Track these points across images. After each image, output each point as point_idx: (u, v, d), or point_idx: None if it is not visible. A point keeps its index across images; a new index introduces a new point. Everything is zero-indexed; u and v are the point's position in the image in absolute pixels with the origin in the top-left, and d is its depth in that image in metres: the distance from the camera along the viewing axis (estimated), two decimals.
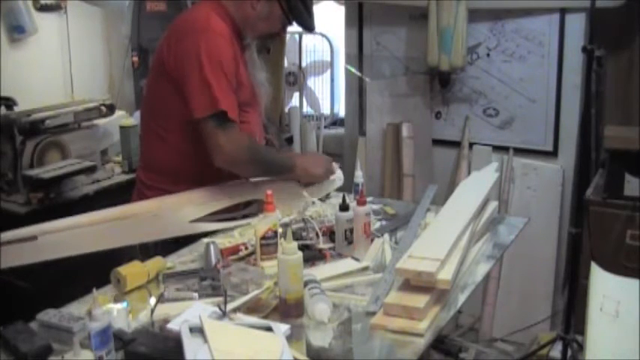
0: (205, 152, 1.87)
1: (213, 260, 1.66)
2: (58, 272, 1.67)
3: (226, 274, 1.57)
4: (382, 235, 1.88)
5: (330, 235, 1.82)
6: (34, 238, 1.64)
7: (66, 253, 1.67)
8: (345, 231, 1.74)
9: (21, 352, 1.28)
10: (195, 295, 1.52)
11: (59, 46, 3.43)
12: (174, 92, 1.88)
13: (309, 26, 2.05)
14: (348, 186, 2.11)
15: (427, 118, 3.37)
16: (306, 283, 1.47)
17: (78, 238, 1.71)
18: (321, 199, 2.06)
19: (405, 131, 3.22)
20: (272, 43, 2.20)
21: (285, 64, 3.71)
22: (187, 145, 1.93)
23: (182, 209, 1.88)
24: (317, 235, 1.81)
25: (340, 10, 3.56)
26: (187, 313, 1.41)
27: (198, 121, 1.84)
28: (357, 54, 3.49)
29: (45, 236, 1.66)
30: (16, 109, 2.84)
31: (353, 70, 3.50)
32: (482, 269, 1.69)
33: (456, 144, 3.31)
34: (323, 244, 1.79)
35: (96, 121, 3.04)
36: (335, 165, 2.17)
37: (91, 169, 2.82)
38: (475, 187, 2.00)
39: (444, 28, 3.02)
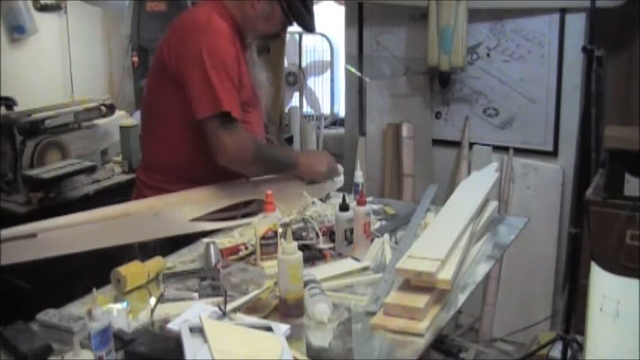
0: (206, 151, 1.87)
1: (213, 260, 1.66)
2: (58, 272, 1.67)
3: (226, 274, 1.57)
4: (382, 235, 1.87)
5: (330, 235, 1.82)
6: (33, 235, 1.64)
7: (65, 250, 1.67)
8: (345, 231, 1.74)
9: (21, 352, 1.28)
10: (195, 295, 1.52)
11: (59, 46, 3.43)
12: (175, 92, 1.88)
13: (309, 27, 2.04)
14: (348, 186, 2.11)
15: (427, 118, 3.37)
16: (306, 283, 1.47)
17: (77, 236, 1.71)
18: (321, 199, 2.06)
19: (405, 131, 3.22)
20: (272, 43, 2.20)
21: (285, 64, 3.71)
22: (188, 145, 1.93)
23: (182, 208, 1.88)
24: (317, 235, 1.81)
25: (340, 10, 3.56)
26: (187, 313, 1.41)
27: (200, 121, 1.84)
28: (357, 54, 3.49)
29: (44, 234, 1.67)
30: (16, 109, 2.84)
31: (353, 70, 3.50)
32: (482, 269, 1.69)
33: (456, 144, 3.31)
34: (323, 244, 1.79)
35: (96, 121, 3.04)
36: (339, 167, 2.17)
37: (91, 169, 2.82)
38: (475, 187, 2.00)
39: (444, 28, 3.02)
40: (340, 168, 2.17)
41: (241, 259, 1.75)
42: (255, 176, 2.02)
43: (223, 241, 1.83)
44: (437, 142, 3.39)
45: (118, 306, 1.43)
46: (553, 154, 3.11)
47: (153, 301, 1.50)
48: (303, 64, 3.80)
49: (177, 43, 1.87)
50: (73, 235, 1.70)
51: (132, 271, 1.59)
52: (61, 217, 1.74)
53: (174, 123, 1.93)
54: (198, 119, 1.84)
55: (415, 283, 1.45)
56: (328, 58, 3.84)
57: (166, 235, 1.83)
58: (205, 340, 1.26)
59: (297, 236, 1.75)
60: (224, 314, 1.40)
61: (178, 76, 1.85)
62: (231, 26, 1.92)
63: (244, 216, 2.00)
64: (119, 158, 3.07)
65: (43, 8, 3.32)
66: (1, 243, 1.58)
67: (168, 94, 1.91)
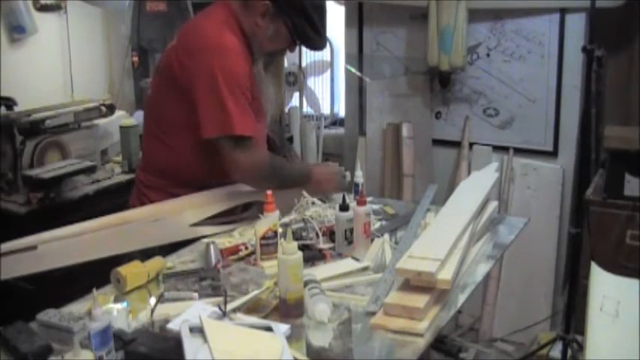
0: (206, 159, 1.89)
1: (213, 260, 1.66)
2: (58, 272, 1.67)
3: (226, 274, 1.57)
4: (382, 235, 1.88)
5: (330, 235, 1.82)
6: (33, 247, 1.64)
7: (66, 262, 1.66)
8: (345, 231, 1.74)
9: (21, 352, 1.28)
10: (195, 295, 1.52)
11: (59, 46, 3.43)
12: (183, 104, 1.87)
13: (316, 47, 2.03)
14: (348, 186, 2.11)
15: (427, 118, 3.37)
16: (306, 283, 1.47)
17: (78, 246, 1.70)
18: (322, 200, 2.05)
19: (405, 131, 3.22)
20: (281, 55, 2.20)
21: (285, 64, 3.70)
22: (189, 153, 1.92)
23: (182, 213, 1.88)
24: (317, 235, 1.81)
25: (340, 10, 3.56)
26: (187, 313, 1.41)
27: (214, 139, 1.84)
28: (357, 54, 3.49)
29: (45, 245, 1.65)
30: (16, 109, 2.84)
31: (353, 70, 3.50)
32: (482, 269, 1.69)
33: (456, 144, 3.32)
34: (323, 244, 1.79)
35: (96, 121, 3.04)
36: (333, 164, 2.16)
37: (91, 169, 2.83)
38: (475, 187, 2.00)
39: (444, 28, 3.02)
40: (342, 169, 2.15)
41: (241, 259, 1.75)
42: (267, 190, 1.99)
43: (223, 241, 1.83)
44: (437, 142, 3.39)
45: (118, 306, 1.43)
46: (553, 154, 3.11)
47: (153, 301, 1.50)
48: (303, 64, 3.79)
49: (187, 58, 1.85)
50: (73, 246, 1.69)
51: (132, 271, 1.59)
52: (60, 228, 1.73)
53: (178, 132, 1.93)
54: (204, 137, 1.84)
55: (415, 283, 1.45)
56: (328, 58, 3.83)
57: (166, 241, 1.82)
58: (205, 340, 1.26)
59: (297, 236, 1.75)
60: (224, 314, 1.40)
61: (189, 91, 1.84)
62: (242, 40, 1.90)
63: (243, 220, 1.99)
64: (119, 158, 3.07)
65: (43, 8, 3.32)
66: (2, 257, 1.57)
67: (174, 104, 1.90)
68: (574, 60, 2.95)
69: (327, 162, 3.30)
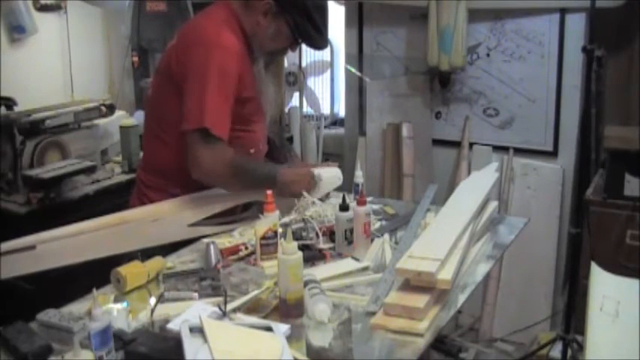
0: None
1: (213, 260, 1.66)
2: (58, 272, 1.67)
3: (226, 274, 1.57)
4: (382, 235, 1.88)
5: (330, 235, 1.82)
6: (32, 247, 1.63)
7: (65, 261, 1.66)
8: (345, 231, 1.74)
9: (21, 352, 1.28)
10: (195, 295, 1.53)
11: (59, 46, 3.43)
12: (179, 100, 1.86)
13: (318, 46, 2.02)
14: (348, 186, 2.11)
15: (427, 118, 3.37)
16: (306, 283, 1.47)
17: (77, 246, 1.70)
18: (321, 199, 2.05)
19: (405, 131, 3.22)
20: (282, 55, 2.19)
21: (285, 64, 3.71)
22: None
23: (181, 213, 1.88)
24: (317, 235, 1.81)
25: (340, 10, 3.56)
26: (187, 313, 1.41)
27: (184, 132, 1.82)
28: (357, 54, 3.49)
29: (44, 245, 1.65)
30: (16, 109, 2.84)
31: (353, 70, 3.50)
32: (482, 269, 1.69)
33: (456, 144, 3.32)
34: (323, 244, 1.79)
35: (96, 121, 3.04)
36: (333, 164, 2.16)
37: (91, 169, 2.83)
38: (475, 187, 2.00)
39: (444, 28, 3.02)
40: (334, 164, 2.12)
41: (241, 259, 1.75)
42: (232, 191, 1.96)
43: (223, 241, 1.83)
44: (437, 142, 3.40)
45: (118, 306, 1.43)
46: (553, 154, 3.11)
47: (153, 301, 1.50)
48: (303, 64, 3.79)
49: (184, 53, 1.85)
50: (72, 246, 1.69)
51: (132, 271, 1.59)
52: (59, 227, 1.73)
53: (177, 130, 1.92)
54: (182, 130, 1.82)
55: (415, 283, 1.45)
56: (328, 58, 3.83)
57: (166, 241, 1.82)
58: (205, 340, 1.26)
59: (297, 236, 1.75)
60: (224, 314, 1.40)
61: (182, 85, 1.84)
62: (241, 40, 1.89)
63: (242, 220, 1.99)
64: (119, 158, 3.07)
65: (43, 8, 3.32)
66: (1, 257, 1.57)
67: (171, 102, 1.90)
68: (574, 60, 2.95)
69: (326, 162, 3.30)
